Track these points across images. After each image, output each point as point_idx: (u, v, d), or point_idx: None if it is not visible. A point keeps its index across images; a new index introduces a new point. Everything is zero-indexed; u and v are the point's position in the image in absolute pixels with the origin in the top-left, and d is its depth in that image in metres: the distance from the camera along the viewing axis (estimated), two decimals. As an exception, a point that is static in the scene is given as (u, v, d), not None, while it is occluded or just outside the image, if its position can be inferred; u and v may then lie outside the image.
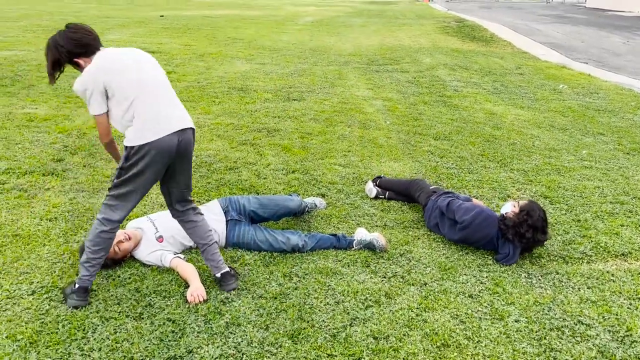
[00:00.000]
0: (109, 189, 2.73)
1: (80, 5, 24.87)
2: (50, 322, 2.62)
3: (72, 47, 2.71)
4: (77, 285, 2.73)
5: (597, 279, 3.22)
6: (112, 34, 13.98)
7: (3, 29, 14.22)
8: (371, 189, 4.29)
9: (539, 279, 3.21)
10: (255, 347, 2.53)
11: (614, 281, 3.21)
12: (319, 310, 2.81)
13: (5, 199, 3.92)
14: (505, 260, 3.36)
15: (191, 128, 2.82)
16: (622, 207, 4.26)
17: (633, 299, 3.03)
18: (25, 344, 2.46)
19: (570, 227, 3.88)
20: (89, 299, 2.76)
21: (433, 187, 4.08)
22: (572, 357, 2.56)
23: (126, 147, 2.67)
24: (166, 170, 2.75)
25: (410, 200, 4.18)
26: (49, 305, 2.75)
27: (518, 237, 3.34)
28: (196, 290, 2.86)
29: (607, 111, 7.39)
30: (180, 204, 2.90)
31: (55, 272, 3.04)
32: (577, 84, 9.16)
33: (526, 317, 2.83)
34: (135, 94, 2.65)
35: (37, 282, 2.93)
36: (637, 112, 7.39)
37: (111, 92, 2.66)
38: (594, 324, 2.80)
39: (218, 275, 2.96)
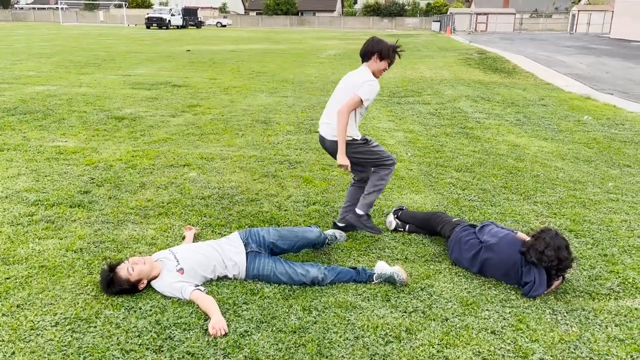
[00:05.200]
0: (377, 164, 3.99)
1: (110, 41, 25.79)
2: (72, 354, 2.65)
3: None
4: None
5: (625, 316, 3.13)
6: (140, 68, 14.43)
7: (37, 65, 14.81)
8: (391, 222, 4.27)
9: (564, 316, 3.13)
10: (274, 382, 2.50)
11: (643, 319, 3.11)
12: (338, 346, 2.79)
13: (33, 230, 4.02)
14: (532, 291, 3.27)
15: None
16: (651, 241, 4.15)
17: (664, 338, 2.93)
18: (47, 376, 2.49)
19: (597, 261, 3.79)
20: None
21: (456, 219, 4.05)
22: None
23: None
24: None
25: (431, 233, 4.15)
26: (71, 337, 2.79)
27: (538, 255, 3.26)
28: (218, 323, 2.87)
29: (633, 142, 7.27)
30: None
31: (78, 303, 3.09)
32: (602, 115, 9.06)
33: (551, 356, 2.76)
34: None
35: (61, 314, 2.98)
36: (664, 143, 7.26)
37: None
38: (622, 363, 2.71)
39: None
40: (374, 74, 3.88)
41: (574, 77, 14.02)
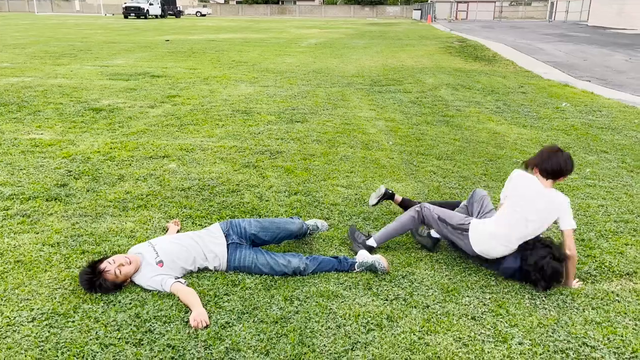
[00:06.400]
0: None
1: (87, 31, 25.32)
2: (49, 349, 2.61)
3: None
4: None
5: (601, 299, 3.18)
6: (118, 58, 14.19)
7: (12, 56, 14.47)
8: (378, 191, 4.29)
9: (543, 300, 3.17)
10: (255, 373, 2.50)
11: (618, 301, 3.17)
12: (320, 335, 2.79)
13: (8, 225, 3.94)
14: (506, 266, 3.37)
15: None
16: (627, 225, 4.23)
17: (638, 320, 2.99)
18: (24, 372, 2.45)
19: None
20: None
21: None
22: None
23: None
24: None
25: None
26: (48, 332, 2.74)
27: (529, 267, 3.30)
28: (199, 315, 2.85)
29: (610, 129, 7.37)
30: None
31: (55, 298, 3.04)
32: (580, 102, 9.17)
33: (530, 340, 2.79)
34: None
35: (38, 309, 2.93)
36: (640, 129, 7.38)
37: None
38: (599, 345, 2.76)
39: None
40: None
41: (553, 65, 14.16)
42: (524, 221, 3.33)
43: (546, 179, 3.39)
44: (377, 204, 4.30)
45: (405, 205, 4.25)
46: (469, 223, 3.54)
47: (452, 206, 4.06)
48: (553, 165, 3.37)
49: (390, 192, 4.30)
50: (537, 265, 3.25)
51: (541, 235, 3.45)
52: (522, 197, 3.38)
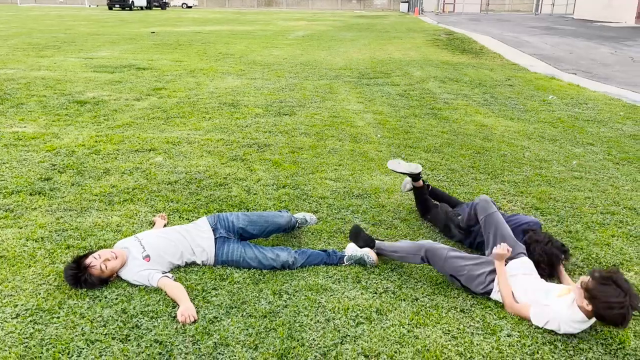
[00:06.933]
0: None
1: (71, 23, 24.95)
2: (34, 346, 2.57)
3: None
4: None
5: (589, 291, 3.20)
6: (102, 50, 14.00)
7: (-7, 48, 14.20)
8: (406, 184, 4.20)
9: (531, 292, 3.18)
10: (244, 367, 2.48)
11: (606, 293, 3.19)
12: (309, 329, 2.77)
13: (-9, 220, 3.86)
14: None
15: None
16: (613, 217, 4.26)
17: (625, 311, 3.01)
18: (8, 370, 2.41)
19: (562, 238, 3.86)
20: None
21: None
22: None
23: None
24: None
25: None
26: (33, 328, 2.69)
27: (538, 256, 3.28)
28: (187, 310, 2.82)
29: (596, 121, 7.43)
30: None
31: (40, 293, 2.99)
32: (567, 95, 9.23)
33: (518, 332, 2.80)
34: None
35: (22, 305, 2.88)
36: (625, 122, 7.44)
37: None
38: (586, 337, 2.78)
39: None
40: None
41: (539, 58, 14.24)
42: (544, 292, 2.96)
43: (588, 310, 2.72)
44: (402, 173, 4.10)
45: (421, 196, 4.12)
46: (492, 290, 3.11)
47: (453, 204, 4.04)
48: (613, 318, 2.66)
49: (421, 178, 4.07)
50: (545, 252, 3.25)
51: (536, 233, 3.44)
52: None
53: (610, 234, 3.96)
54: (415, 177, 4.11)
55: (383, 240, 3.61)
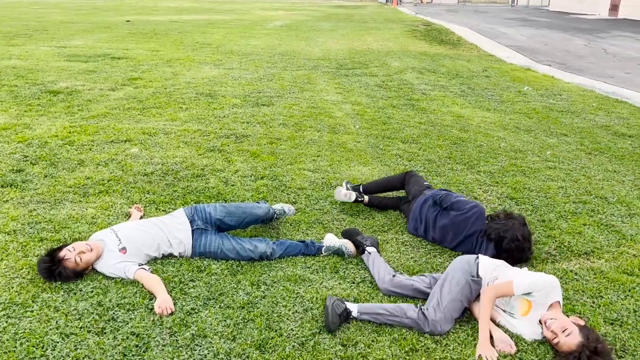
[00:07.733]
0: None
1: (43, 10, 24.33)
2: (7, 340, 2.53)
3: None
4: None
5: (561, 278, 3.27)
6: (76, 39, 13.70)
7: (-39, 36, 13.78)
8: (349, 194, 4.09)
9: (505, 280, 3.24)
10: (222, 358, 2.48)
11: (577, 280, 3.27)
12: (287, 319, 2.78)
13: (-39, 213, 3.78)
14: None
15: None
16: (585, 206, 4.36)
17: (595, 297, 3.09)
18: (-19, 365, 2.37)
19: (536, 227, 3.95)
20: None
21: (427, 183, 4.09)
22: (537, 357, 2.60)
23: None
24: None
25: (393, 189, 4.25)
26: (6, 322, 2.65)
27: (499, 238, 3.31)
28: (164, 302, 2.81)
29: (569, 112, 7.56)
30: None
31: (13, 287, 2.94)
32: (541, 86, 9.37)
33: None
34: None
35: (-6, 299, 2.82)
36: (598, 113, 7.59)
37: None
38: (558, 323, 2.84)
39: None
40: None
41: (515, 49, 14.40)
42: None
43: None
44: (355, 200, 4.12)
45: (373, 203, 4.18)
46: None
47: (390, 189, 4.20)
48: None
49: (360, 199, 4.13)
50: (522, 237, 3.30)
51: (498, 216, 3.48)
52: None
53: (582, 222, 4.05)
54: (356, 200, 4.11)
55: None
